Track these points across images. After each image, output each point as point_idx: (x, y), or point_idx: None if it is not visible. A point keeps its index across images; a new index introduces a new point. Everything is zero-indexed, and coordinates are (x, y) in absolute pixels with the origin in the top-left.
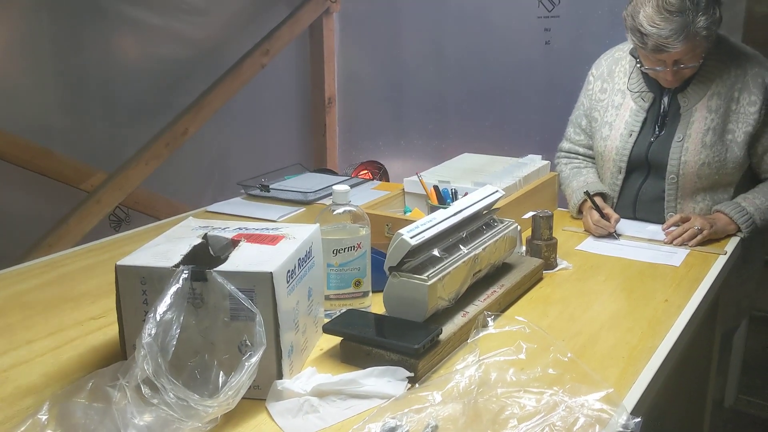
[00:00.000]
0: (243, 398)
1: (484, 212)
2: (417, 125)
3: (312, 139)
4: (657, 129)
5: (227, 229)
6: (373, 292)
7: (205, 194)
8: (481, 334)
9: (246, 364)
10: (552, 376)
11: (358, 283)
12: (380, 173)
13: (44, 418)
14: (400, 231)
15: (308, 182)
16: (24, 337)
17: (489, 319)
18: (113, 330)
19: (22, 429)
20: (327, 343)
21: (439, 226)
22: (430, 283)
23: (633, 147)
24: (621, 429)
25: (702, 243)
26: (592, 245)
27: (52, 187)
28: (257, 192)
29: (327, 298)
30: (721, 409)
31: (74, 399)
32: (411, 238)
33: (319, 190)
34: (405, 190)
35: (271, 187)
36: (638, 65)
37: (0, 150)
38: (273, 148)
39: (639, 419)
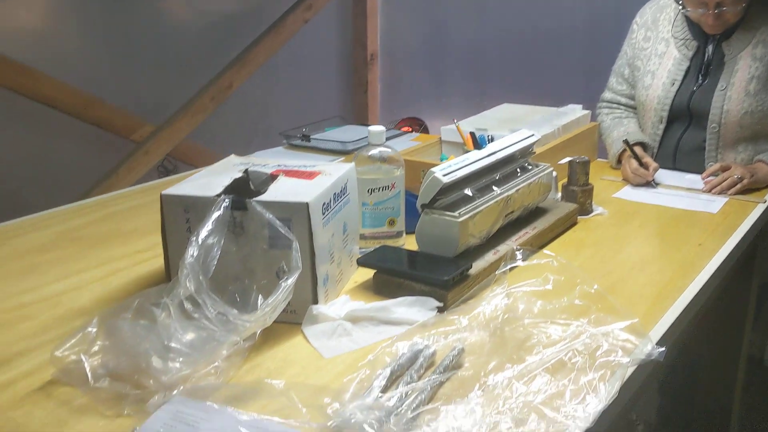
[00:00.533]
0: (280, 322)
1: (520, 156)
2: (458, 83)
3: (353, 96)
4: (700, 78)
5: (267, 166)
6: (408, 234)
7: (248, 146)
8: (509, 267)
9: (282, 285)
10: (578, 306)
11: (392, 222)
12: (421, 129)
13: (93, 331)
14: (433, 169)
15: (348, 134)
16: (75, 268)
17: (518, 252)
18: (159, 262)
19: (73, 341)
20: (361, 277)
21: (471, 166)
22: (461, 219)
23: (675, 96)
24: (644, 357)
25: (741, 192)
26: (629, 193)
27: (102, 138)
28: (298, 142)
29: (362, 237)
30: (760, 367)
31: (121, 316)
32: (443, 176)
33: (359, 140)
34: (442, 138)
35: (311, 137)
36: (681, 9)
37: (54, 98)
38: (315, 103)
39: (663, 349)
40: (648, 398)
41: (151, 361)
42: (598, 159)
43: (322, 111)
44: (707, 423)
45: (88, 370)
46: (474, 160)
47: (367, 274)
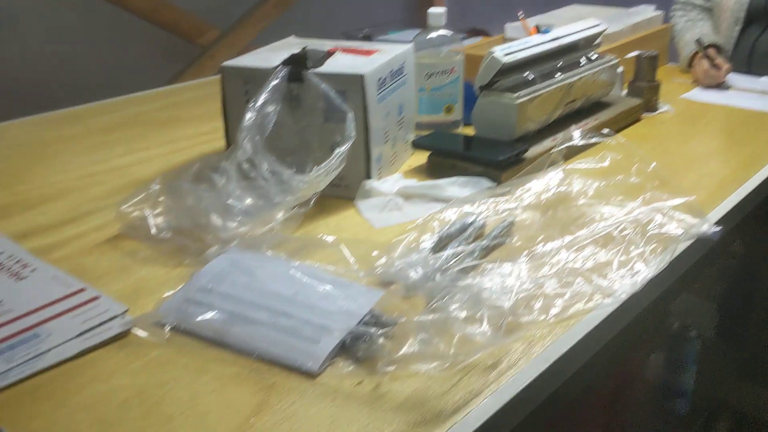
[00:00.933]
0: (333, 196)
1: (584, 46)
2: None
3: (419, 4)
4: None
5: (324, 45)
6: (466, 125)
7: None
8: (565, 145)
9: (336, 151)
10: (634, 185)
11: (449, 110)
12: None
13: (156, 189)
14: (492, 49)
15: (411, 36)
16: (141, 145)
17: (576, 132)
18: (220, 143)
19: (137, 199)
20: (416, 162)
21: (533, 49)
22: (519, 101)
23: None
24: (699, 232)
25: None
26: (698, 95)
27: (170, 42)
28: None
29: (418, 125)
30: None
31: (182, 177)
32: (503, 55)
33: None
34: (505, 36)
35: (374, 38)
36: None
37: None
38: (379, 11)
39: (719, 228)
40: (705, 312)
41: (211, 219)
42: (669, 63)
43: (387, 17)
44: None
45: (151, 224)
46: (536, 43)
47: (422, 159)
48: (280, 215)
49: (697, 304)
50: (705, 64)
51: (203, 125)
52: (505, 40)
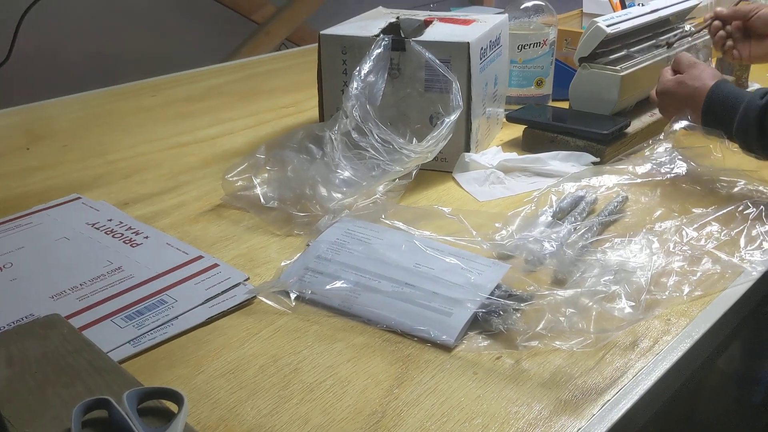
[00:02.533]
0: (430, 169)
1: (677, 20)
2: None
3: None
4: None
5: (417, 15)
6: (554, 101)
7: None
8: (675, 127)
9: (446, 120)
10: (748, 170)
11: (540, 83)
12: None
13: (261, 158)
14: (595, 19)
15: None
16: (226, 116)
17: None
18: (304, 116)
19: (243, 167)
20: (506, 136)
21: (636, 20)
22: (623, 74)
23: None
24: None
25: None
26: None
27: (225, 16)
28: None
29: (507, 99)
30: None
31: (287, 145)
32: (607, 26)
33: None
34: (583, 11)
35: None
36: None
37: None
38: None
39: None
40: None
41: (318, 188)
42: None
43: None
44: None
45: (259, 193)
46: (637, 15)
47: (512, 134)
48: (382, 187)
49: None
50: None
51: (284, 98)
52: (582, 15)
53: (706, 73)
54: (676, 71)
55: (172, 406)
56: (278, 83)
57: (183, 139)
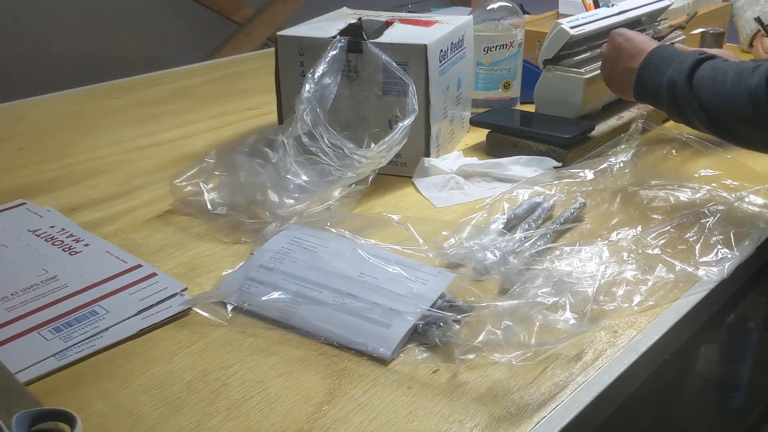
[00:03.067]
0: (390, 174)
1: (649, 22)
2: None
3: None
4: None
5: (380, 16)
6: (523, 103)
7: None
8: (640, 123)
9: (399, 125)
10: (710, 175)
11: (507, 86)
12: None
13: (211, 162)
14: (559, 21)
15: (454, 14)
16: (190, 119)
17: (640, 122)
18: (270, 118)
19: (192, 172)
20: (472, 140)
21: (601, 21)
22: (587, 76)
23: None
24: None
25: None
26: None
27: (206, 17)
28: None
29: (474, 102)
30: None
31: (238, 149)
32: (570, 27)
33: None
34: (559, 11)
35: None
36: None
37: None
38: None
39: None
40: (758, 307)
41: (268, 194)
42: (728, 43)
43: None
44: None
45: (207, 199)
46: (604, 16)
47: (478, 137)
48: (337, 192)
49: (750, 297)
50: (766, 43)
51: (250, 100)
52: (558, 15)
53: (644, 38)
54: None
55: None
56: (248, 85)
57: (143, 142)
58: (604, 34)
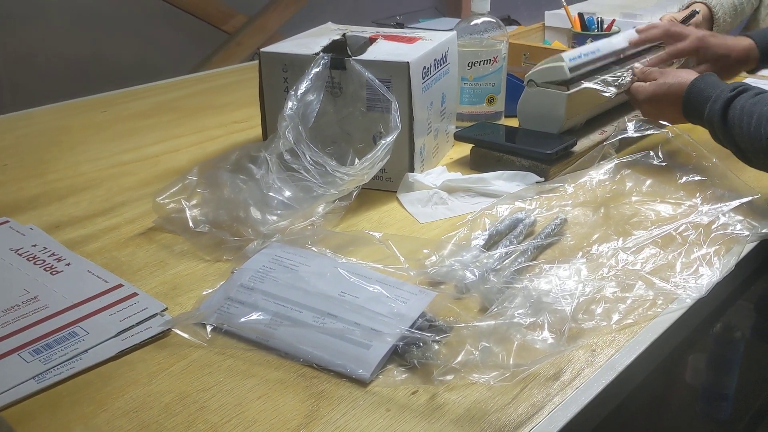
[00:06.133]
0: (375, 189)
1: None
2: None
3: None
4: None
5: (365, 32)
6: (507, 117)
7: None
8: (618, 137)
9: (381, 143)
10: (692, 183)
11: (491, 100)
12: None
13: (194, 179)
14: (562, 55)
15: (443, 25)
16: (173, 133)
17: (630, 124)
18: (254, 132)
19: (174, 189)
20: (457, 154)
21: (599, 62)
22: (569, 92)
23: None
24: (764, 234)
25: None
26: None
27: (197, 26)
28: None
29: (459, 116)
30: None
31: (220, 165)
32: (569, 70)
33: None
34: (545, 24)
35: (406, 26)
36: None
37: None
38: None
39: None
40: (745, 314)
41: (250, 212)
42: None
43: (417, 6)
44: None
45: (189, 217)
46: (604, 54)
47: (463, 151)
48: (321, 208)
49: (737, 305)
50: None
51: (235, 113)
52: (544, 28)
53: (683, 72)
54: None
55: None
56: (231, 98)
57: (126, 157)
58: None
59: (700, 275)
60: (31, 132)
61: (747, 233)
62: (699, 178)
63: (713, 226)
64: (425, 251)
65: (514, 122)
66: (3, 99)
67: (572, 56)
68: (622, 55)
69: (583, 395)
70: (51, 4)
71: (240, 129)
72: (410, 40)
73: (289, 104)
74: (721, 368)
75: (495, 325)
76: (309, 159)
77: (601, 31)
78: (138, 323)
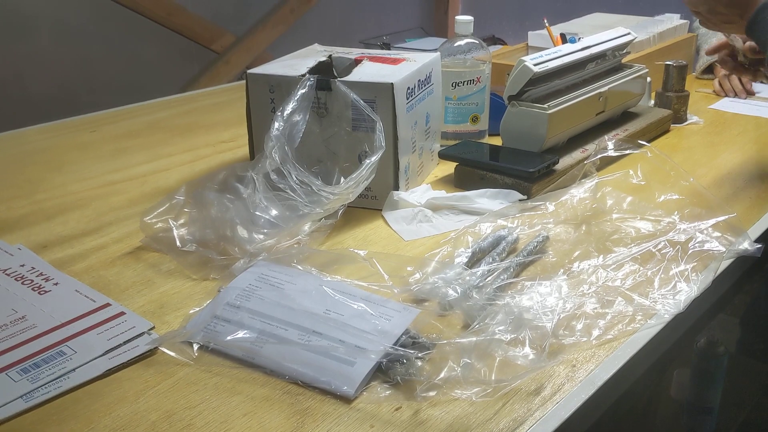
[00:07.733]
0: (361, 207)
1: (613, 56)
2: (543, 5)
3: (434, 12)
4: None
5: (350, 53)
6: (491, 135)
7: None
8: (599, 156)
9: (366, 162)
10: (670, 201)
11: (475, 119)
12: None
13: (181, 199)
14: (523, 58)
15: (429, 44)
16: (162, 152)
17: (610, 143)
18: (242, 151)
19: (161, 209)
20: (441, 172)
21: (564, 58)
22: (550, 112)
23: None
24: (741, 250)
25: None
26: (727, 105)
27: (184, 46)
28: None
29: (443, 135)
30: None
31: (207, 185)
32: (534, 65)
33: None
34: (528, 44)
35: (392, 46)
36: None
37: (139, 4)
38: (395, 18)
39: (760, 245)
40: (730, 329)
41: (237, 230)
42: (693, 74)
43: (403, 26)
44: None
45: (176, 236)
46: (567, 53)
47: (448, 170)
48: (307, 227)
49: (722, 319)
50: (735, 81)
51: (224, 132)
52: (528, 48)
53: None
54: None
55: None
56: (220, 117)
57: (115, 176)
58: (566, 69)
59: (678, 291)
60: (19, 152)
61: (724, 249)
62: (677, 196)
63: (690, 243)
64: (409, 269)
65: (497, 141)
66: None
67: (533, 57)
68: (587, 53)
69: (563, 410)
70: (39, 23)
71: (228, 148)
72: (395, 61)
73: (276, 125)
74: (704, 383)
75: (477, 342)
76: (295, 178)
77: None
78: (125, 342)
